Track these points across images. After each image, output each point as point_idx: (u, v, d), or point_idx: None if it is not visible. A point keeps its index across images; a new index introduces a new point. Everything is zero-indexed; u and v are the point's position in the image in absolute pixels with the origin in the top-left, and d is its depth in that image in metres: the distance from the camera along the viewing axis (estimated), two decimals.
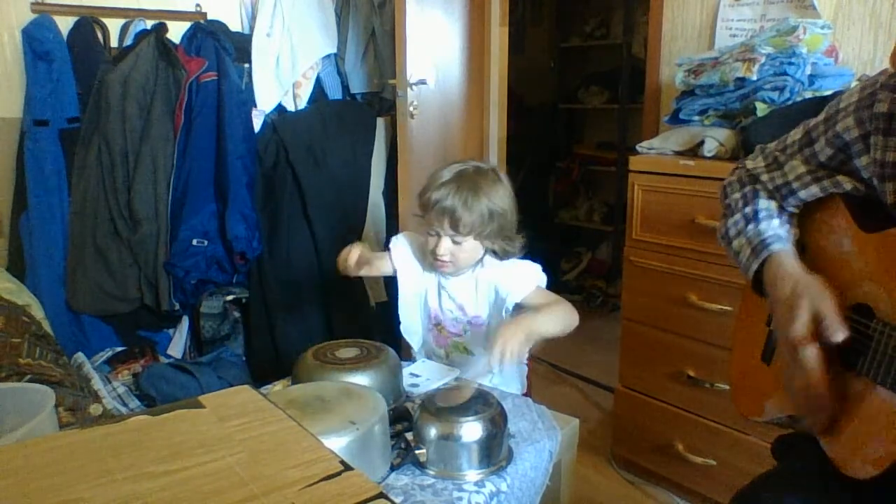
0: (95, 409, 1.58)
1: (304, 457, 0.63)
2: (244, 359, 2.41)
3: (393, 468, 1.11)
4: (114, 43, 2.28)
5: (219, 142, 2.24)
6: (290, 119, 2.53)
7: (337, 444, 0.97)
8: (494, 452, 1.13)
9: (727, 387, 1.56)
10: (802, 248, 0.99)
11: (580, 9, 4.24)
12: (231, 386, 0.94)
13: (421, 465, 1.12)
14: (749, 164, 1.08)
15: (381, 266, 1.63)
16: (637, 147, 1.98)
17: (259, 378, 2.12)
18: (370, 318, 2.51)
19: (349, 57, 2.68)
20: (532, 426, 1.28)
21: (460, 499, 1.05)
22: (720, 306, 1.76)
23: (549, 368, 2.90)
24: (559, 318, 1.42)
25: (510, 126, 2.76)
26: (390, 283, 2.13)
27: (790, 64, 1.72)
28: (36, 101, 2.10)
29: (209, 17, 2.43)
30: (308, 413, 1.04)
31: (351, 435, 1.00)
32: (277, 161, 2.45)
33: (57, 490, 0.58)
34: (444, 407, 1.14)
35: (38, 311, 1.98)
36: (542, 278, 1.52)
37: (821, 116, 0.96)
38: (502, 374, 1.53)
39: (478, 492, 1.07)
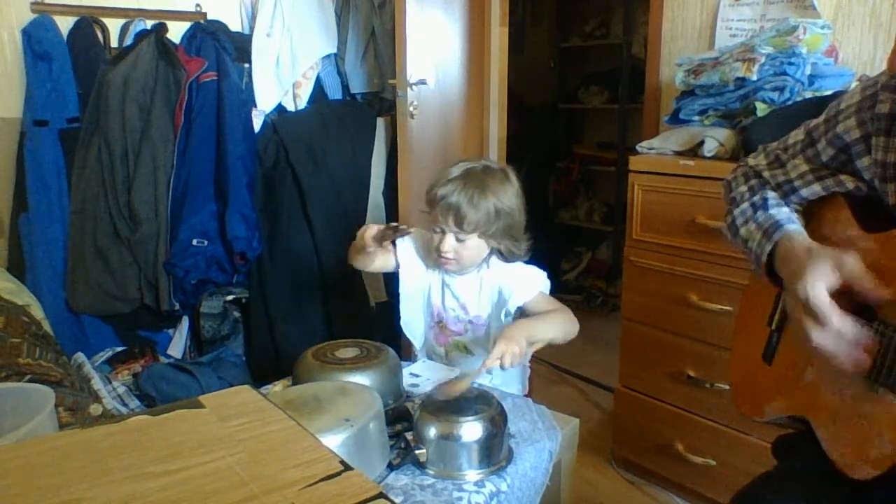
0: (95, 409, 1.58)
1: (304, 457, 0.63)
2: (244, 359, 2.41)
3: (393, 468, 1.11)
4: (114, 43, 2.27)
5: (219, 142, 2.24)
6: (290, 119, 2.52)
7: (332, 441, 0.97)
8: (494, 452, 1.13)
9: (727, 387, 1.56)
10: None
11: (580, 9, 4.23)
12: (231, 386, 0.94)
13: (421, 465, 1.12)
14: (751, 161, 1.07)
15: (385, 259, 1.62)
16: (637, 147, 1.99)
17: (259, 378, 2.12)
18: (370, 318, 2.51)
19: (349, 57, 2.67)
20: (532, 426, 1.28)
21: (460, 499, 1.05)
22: (720, 306, 1.76)
23: (550, 368, 2.89)
24: (560, 326, 1.43)
25: (510, 126, 2.76)
26: (390, 283, 2.13)
27: (790, 64, 1.72)
28: (36, 101, 2.10)
29: (209, 17, 2.43)
30: (304, 413, 1.04)
31: (346, 432, 1.00)
32: (277, 161, 2.45)
33: (57, 490, 0.58)
34: (443, 407, 1.14)
35: (38, 311, 1.98)
36: (546, 285, 1.52)
37: (822, 117, 0.96)
38: (503, 375, 1.52)
39: (478, 492, 1.07)
